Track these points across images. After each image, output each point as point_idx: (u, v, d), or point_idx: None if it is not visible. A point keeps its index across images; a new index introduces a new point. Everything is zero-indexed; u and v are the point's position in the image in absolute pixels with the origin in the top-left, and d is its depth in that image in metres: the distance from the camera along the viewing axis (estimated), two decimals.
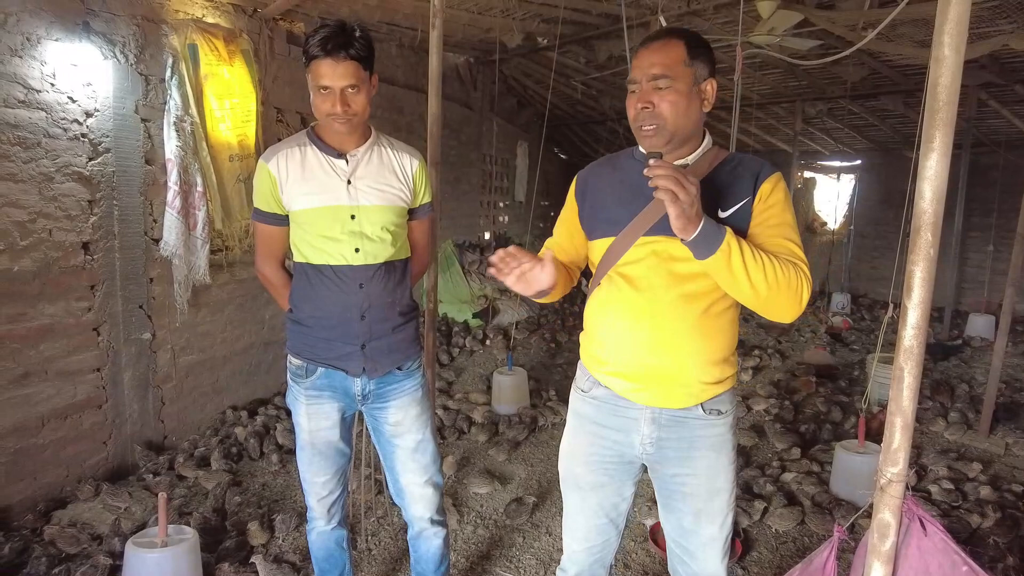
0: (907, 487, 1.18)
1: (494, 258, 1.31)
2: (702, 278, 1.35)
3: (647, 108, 1.31)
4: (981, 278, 7.79)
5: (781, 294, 1.26)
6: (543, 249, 1.56)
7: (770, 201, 1.34)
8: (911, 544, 1.22)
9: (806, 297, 1.29)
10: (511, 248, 1.31)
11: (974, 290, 7.82)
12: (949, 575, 1.19)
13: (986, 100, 5.89)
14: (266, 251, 1.83)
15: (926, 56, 1.13)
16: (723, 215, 1.35)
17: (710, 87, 1.35)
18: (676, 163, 1.37)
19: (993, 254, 7.63)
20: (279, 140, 2.10)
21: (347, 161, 1.71)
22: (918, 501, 1.23)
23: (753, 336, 6.23)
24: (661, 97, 1.30)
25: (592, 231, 1.49)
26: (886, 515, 1.19)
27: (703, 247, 1.22)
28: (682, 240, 1.24)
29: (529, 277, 1.31)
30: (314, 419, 1.79)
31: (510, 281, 1.31)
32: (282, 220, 1.76)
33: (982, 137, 7.05)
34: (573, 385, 1.58)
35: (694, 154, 1.39)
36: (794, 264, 1.28)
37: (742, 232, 1.33)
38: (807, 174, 9.47)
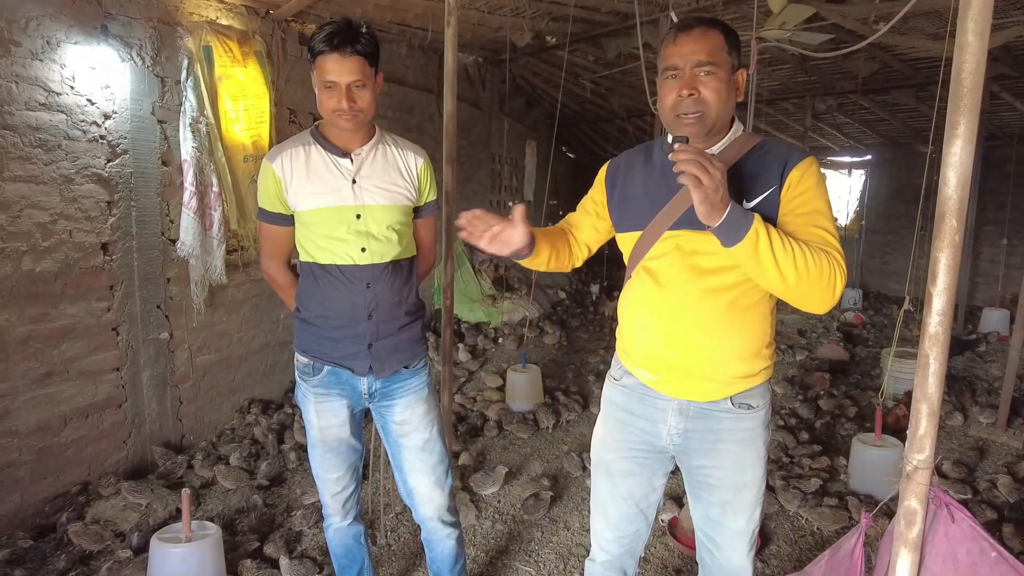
0: (933, 474, 1.18)
1: (461, 221, 1.30)
2: (727, 271, 1.34)
3: (692, 95, 1.29)
4: (995, 272, 7.73)
5: (812, 284, 1.22)
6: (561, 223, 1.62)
7: (800, 188, 1.31)
8: (938, 531, 1.22)
9: (840, 287, 1.24)
10: (476, 211, 1.31)
11: (988, 284, 7.77)
12: (978, 562, 1.19)
13: (999, 93, 5.85)
14: (271, 251, 1.83)
15: (939, 48, 1.13)
16: (747, 205, 1.31)
17: (741, 77, 1.35)
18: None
19: (1007, 247, 7.57)
20: None
21: (352, 160, 1.70)
22: (944, 489, 1.23)
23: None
24: (705, 84, 1.29)
25: (621, 223, 1.50)
26: (913, 502, 1.19)
27: (729, 234, 1.20)
28: (707, 227, 1.20)
29: (502, 237, 1.32)
30: (323, 416, 1.80)
31: (483, 243, 1.31)
32: (287, 220, 1.76)
33: (995, 130, 7.00)
34: (608, 374, 1.60)
35: (721, 142, 1.37)
36: (827, 253, 1.24)
37: (770, 222, 1.28)
38: None
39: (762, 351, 1.40)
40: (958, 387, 4.46)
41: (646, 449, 1.50)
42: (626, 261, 1.51)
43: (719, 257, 1.32)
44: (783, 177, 1.31)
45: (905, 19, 4.24)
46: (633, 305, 1.46)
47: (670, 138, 1.40)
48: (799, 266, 1.21)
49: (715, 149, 1.37)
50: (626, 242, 1.48)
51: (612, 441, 1.53)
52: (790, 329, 6.29)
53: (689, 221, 1.33)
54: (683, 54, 1.30)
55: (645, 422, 1.47)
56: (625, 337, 1.49)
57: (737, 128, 1.39)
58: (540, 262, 1.49)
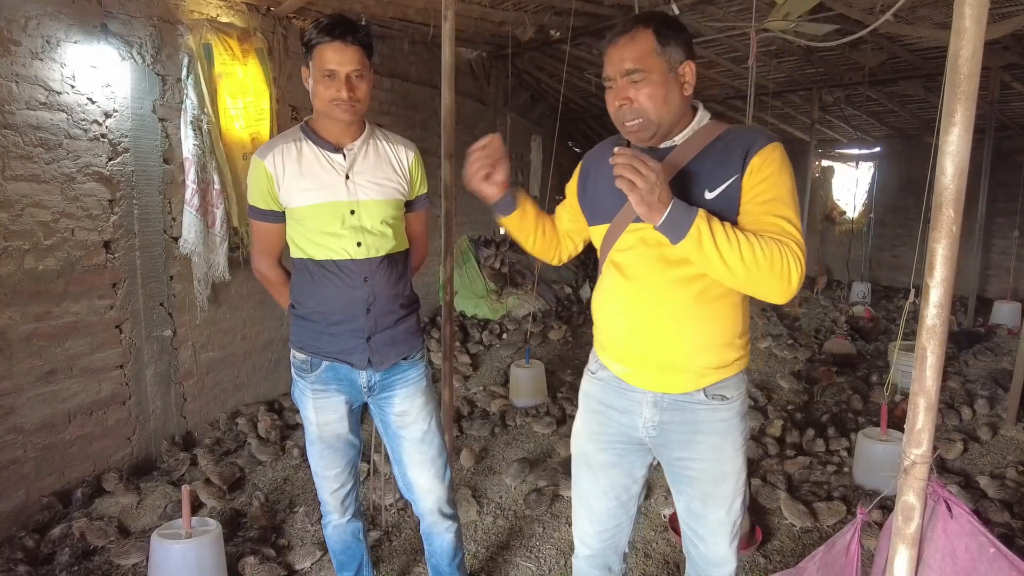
0: (932, 469, 1.17)
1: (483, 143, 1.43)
2: (692, 262, 1.34)
3: (625, 104, 1.31)
4: (1006, 265, 7.63)
5: (763, 275, 1.22)
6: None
7: (761, 175, 1.29)
8: (937, 527, 1.20)
9: (795, 277, 1.24)
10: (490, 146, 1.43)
11: (999, 277, 7.67)
12: (976, 557, 1.17)
13: (1010, 82, 5.76)
14: (263, 248, 1.83)
15: (947, 38, 1.10)
16: (709, 196, 1.31)
17: (688, 69, 1.32)
18: (663, 145, 1.37)
19: (1018, 240, 7.47)
20: None
21: (344, 155, 1.70)
22: (943, 483, 1.21)
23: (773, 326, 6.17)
24: (637, 91, 1.29)
25: (591, 216, 1.53)
26: (910, 497, 1.17)
27: (672, 231, 1.23)
28: (653, 226, 1.24)
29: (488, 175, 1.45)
30: (322, 413, 1.80)
31: (475, 179, 1.45)
32: (279, 217, 1.75)
33: (1006, 120, 6.91)
34: (586, 368, 1.60)
35: (683, 133, 1.37)
36: (780, 243, 1.23)
37: (732, 211, 1.30)
38: (825, 163, 9.35)
39: (734, 341, 1.40)
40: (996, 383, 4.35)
41: (624, 441, 1.50)
42: (599, 256, 1.53)
43: None
44: (744, 164, 1.30)
45: (912, 8, 4.18)
46: (603, 298, 1.48)
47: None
48: (746, 259, 1.21)
49: (678, 140, 1.37)
50: (597, 235, 1.51)
51: (591, 433, 1.54)
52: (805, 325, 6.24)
53: None
54: (612, 64, 1.32)
55: (621, 415, 1.48)
56: (599, 331, 1.51)
57: (702, 117, 1.38)
58: (527, 227, 1.58)
